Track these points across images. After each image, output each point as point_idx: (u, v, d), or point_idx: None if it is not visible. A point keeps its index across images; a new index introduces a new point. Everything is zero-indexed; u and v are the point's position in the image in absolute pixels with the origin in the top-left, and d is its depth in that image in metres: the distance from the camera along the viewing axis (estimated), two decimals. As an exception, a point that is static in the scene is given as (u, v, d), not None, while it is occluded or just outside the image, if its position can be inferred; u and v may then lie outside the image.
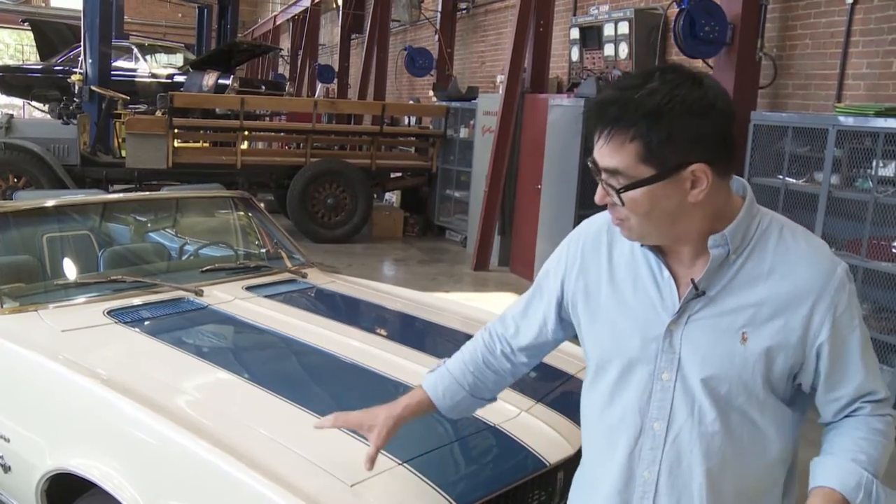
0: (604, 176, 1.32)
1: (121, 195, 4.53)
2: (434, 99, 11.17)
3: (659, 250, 1.40)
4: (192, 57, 15.25)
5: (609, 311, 1.45)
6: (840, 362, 1.36)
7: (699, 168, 1.28)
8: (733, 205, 1.36)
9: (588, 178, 7.32)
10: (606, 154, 1.30)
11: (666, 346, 1.37)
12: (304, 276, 3.60)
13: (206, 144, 10.66)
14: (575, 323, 1.55)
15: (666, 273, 1.39)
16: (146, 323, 2.90)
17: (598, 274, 1.48)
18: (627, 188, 1.29)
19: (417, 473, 1.93)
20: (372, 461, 1.69)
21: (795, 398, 1.42)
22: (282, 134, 11.31)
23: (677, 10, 5.76)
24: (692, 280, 1.35)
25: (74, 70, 11.79)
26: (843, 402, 1.39)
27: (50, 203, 3.41)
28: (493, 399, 1.77)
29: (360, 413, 1.74)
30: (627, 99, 1.27)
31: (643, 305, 1.41)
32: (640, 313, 1.40)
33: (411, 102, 12.78)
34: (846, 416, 1.41)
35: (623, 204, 1.31)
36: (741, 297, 1.34)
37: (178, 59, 15.51)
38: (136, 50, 14.08)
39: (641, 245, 1.41)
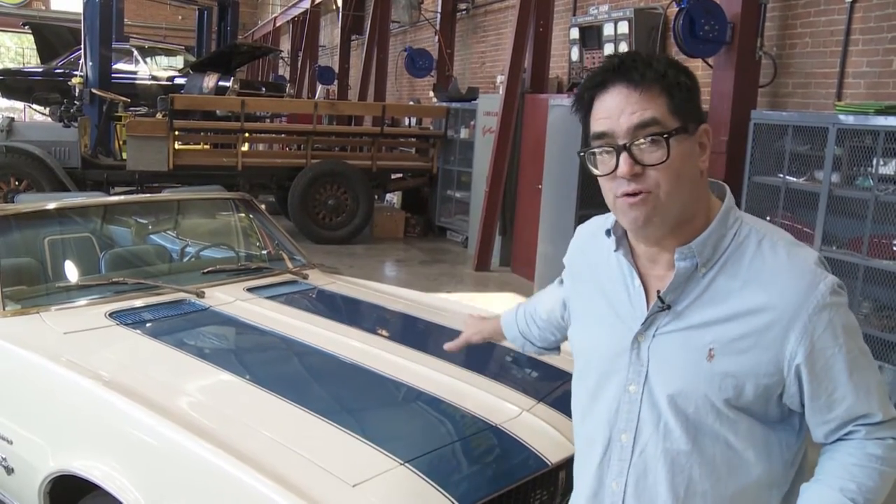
0: (636, 137, 1.24)
1: (122, 197, 4.54)
2: (434, 100, 11.17)
3: (634, 259, 1.37)
4: (193, 59, 15.25)
5: (588, 319, 1.46)
6: (824, 386, 1.27)
7: (705, 128, 1.29)
8: (712, 207, 1.33)
9: (589, 177, 7.29)
10: (638, 107, 1.24)
11: (634, 357, 1.34)
12: (306, 277, 3.61)
13: (206, 146, 10.68)
14: (570, 318, 1.58)
15: (637, 282, 1.35)
16: (148, 325, 2.91)
17: (583, 281, 1.49)
18: (673, 134, 1.23)
19: (419, 473, 1.93)
20: (455, 349, 2.08)
21: (789, 419, 1.34)
22: (282, 135, 11.32)
23: (677, 9, 5.75)
24: (657, 292, 1.31)
25: (75, 73, 11.80)
26: (832, 426, 1.30)
27: (51, 206, 3.42)
28: (542, 350, 1.90)
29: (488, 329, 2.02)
30: (646, 57, 1.28)
31: (616, 315, 1.38)
32: (613, 324, 1.38)
33: (412, 103, 12.78)
34: (840, 440, 1.31)
35: (668, 157, 1.23)
36: (710, 312, 1.28)
37: (179, 61, 15.52)
38: (136, 52, 14.08)
39: (615, 249, 1.38)
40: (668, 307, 1.31)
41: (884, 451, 1.28)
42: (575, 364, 1.51)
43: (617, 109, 1.25)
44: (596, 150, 1.29)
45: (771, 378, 1.27)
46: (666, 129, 1.23)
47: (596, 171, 1.30)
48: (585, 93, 1.32)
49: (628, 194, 1.26)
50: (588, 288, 1.46)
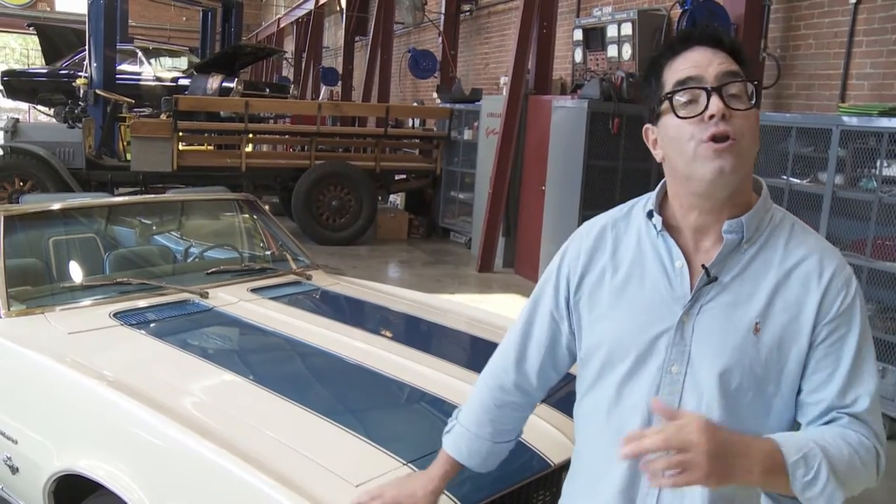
0: (725, 82, 1.29)
1: (126, 198, 4.55)
2: (438, 101, 11.18)
3: (676, 241, 1.38)
4: (197, 60, 15.27)
5: (615, 308, 1.42)
6: (832, 357, 1.31)
7: (757, 114, 1.36)
8: (752, 195, 1.38)
9: (592, 178, 7.35)
10: (726, 60, 1.31)
11: (677, 338, 1.34)
12: (309, 277, 3.61)
13: (210, 147, 10.69)
14: (575, 323, 1.50)
15: (678, 263, 1.36)
16: (152, 325, 2.91)
17: (602, 271, 1.45)
18: (757, 85, 1.32)
19: (422, 474, 1.93)
20: None
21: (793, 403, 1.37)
22: (286, 136, 11.33)
23: (680, 11, 5.77)
24: (703, 266, 1.34)
25: (79, 74, 11.82)
26: (822, 407, 1.32)
27: (56, 206, 3.43)
28: (518, 436, 1.69)
29: (393, 491, 1.62)
30: None
31: (652, 299, 1.37)
32: (650, 307, 1.37)
33: (415, 104, 12.80)
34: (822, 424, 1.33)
35: (754, 105, 1.31)
36: (753, 285, 1.33)
37: (183, 62, 15.54)
38: (140, 53, 14.11)
39: (659, 231, 1.38)
40: (715, 279, 1.33)
41: (857, 440, 1.29)
42: (591, 362, 1.45)
43: (705, 60, 1.31)
44: (686, 89, 1.30)
45: (807, 346, 1.32)
46: (748, 79, 1.31)
47: (680, 114, 1.31)
48: (663, 56, 1.36)
49: (716, 139, 1.27)
50: (610, 278, 1.43)
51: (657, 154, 1.40)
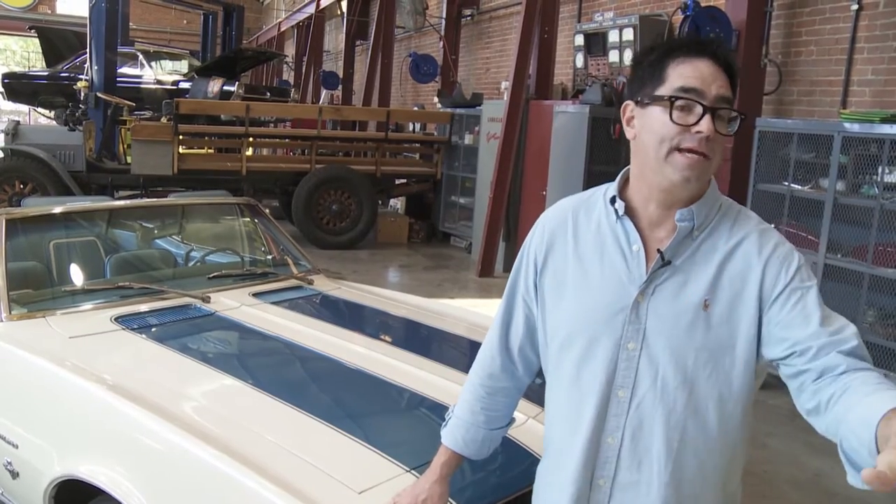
0: (720, 106, 1.37)
1: (127, 202, 4.54)
2: (439, 105, 11.19)
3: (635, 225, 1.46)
4: (198, 63, 15.29)
5: (575, 288, 1.49)
6: (797, 310, 1.34)
7: None
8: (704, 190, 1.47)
9: (593, 184, 7.25)
10: (725, 83, 1.39)
11: (633, 316, 1.42)
12: (311, 282, 3.61)
13: (210, 151, 10.69)
14: (540, 305, 1.57)
15: (636, 246, 1.44)
16: (153, 329, 2.91)
17: (564, 254, 1.52)
18: (743, 118, 1.42)
19: (425, 480, 1.93)
20: None
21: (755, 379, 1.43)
22: (287, 140, 11.33)
23: (682, 16, 5.77)
24: (658, 250, 1.42)
25: (80, 77, 11.83)
26: (812, 352, 1.29)
27: (57, 210, 3.42)
28: (511, 422, 1.77)
29: (407, 499, 1.70)
30: None
31: (610, 279, 1.45)
32: (607, 286, 1.45)
33: (416, 109, 12.80)
34: (830, 381, 1.26)
35: (733, 134, 1.41)
36: (703, 266, 1.41)
37: (184, 65, 15.56)
38: (141, 56, 14.12)
39: (619, 216, 1.45)
40: (669, 262, 1.41)
41: (878, 376, 1.25)
42: (553, 343, 1.52)
43: (710, 76, 1.38)
44: (688, 99, 1.36)
45: (756, 316, 1.38)
46: (738, 110, 1.42)
47: (673, 118, 1.36)
48: (676, 51, 1.40)
49: (695, 151, 1.37)
50: (572, 262, 1.50)
51: (629, 131, 1.46)
